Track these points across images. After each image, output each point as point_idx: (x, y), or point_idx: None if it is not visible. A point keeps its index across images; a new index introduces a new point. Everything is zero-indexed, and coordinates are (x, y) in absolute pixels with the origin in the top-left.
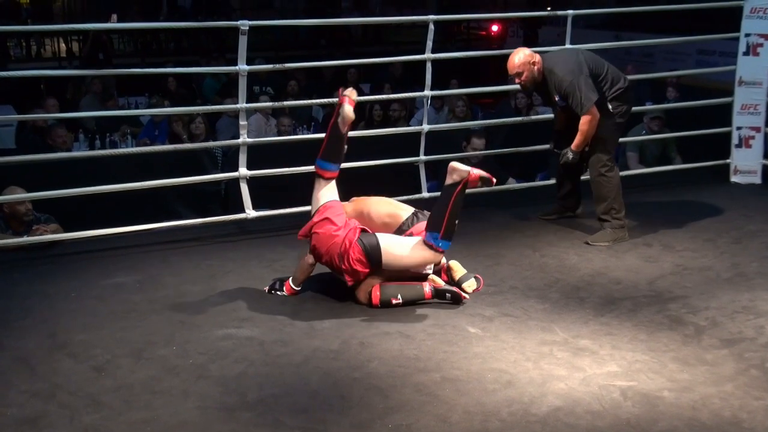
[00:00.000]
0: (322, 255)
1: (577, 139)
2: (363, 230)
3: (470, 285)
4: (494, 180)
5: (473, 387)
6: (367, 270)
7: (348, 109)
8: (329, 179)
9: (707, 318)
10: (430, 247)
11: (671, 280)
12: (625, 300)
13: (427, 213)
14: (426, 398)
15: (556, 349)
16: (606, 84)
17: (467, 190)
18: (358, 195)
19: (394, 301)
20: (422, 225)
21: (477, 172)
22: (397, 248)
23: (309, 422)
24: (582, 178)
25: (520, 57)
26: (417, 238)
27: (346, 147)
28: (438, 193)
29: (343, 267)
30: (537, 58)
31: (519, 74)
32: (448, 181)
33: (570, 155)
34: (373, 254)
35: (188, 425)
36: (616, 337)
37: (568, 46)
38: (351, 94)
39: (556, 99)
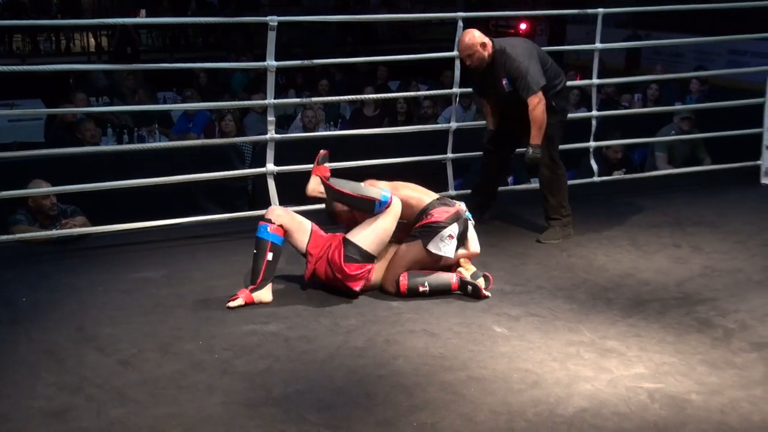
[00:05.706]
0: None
1: (533, 131)
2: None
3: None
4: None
5: (499, 386)
6: (365, 265)
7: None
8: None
9: (737, 321)
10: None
11: (700, 282)
12: (653, 301)
13: (451, 200)
14: (451, 397)
15: (583, 350)
16: (549, 75)
17: None
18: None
19: (421, 289)
20: (442, 209)
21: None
22: (369, 231)
23: (334, 419)
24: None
25: (471, 38)
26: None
27: None
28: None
29: (344, 274)
30: (487, 39)
31: (470, 55)
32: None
33: (531, 151)
34: (358, 252)
35: (213, 420)
36: (644, 338)
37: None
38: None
39: (504, 82)
